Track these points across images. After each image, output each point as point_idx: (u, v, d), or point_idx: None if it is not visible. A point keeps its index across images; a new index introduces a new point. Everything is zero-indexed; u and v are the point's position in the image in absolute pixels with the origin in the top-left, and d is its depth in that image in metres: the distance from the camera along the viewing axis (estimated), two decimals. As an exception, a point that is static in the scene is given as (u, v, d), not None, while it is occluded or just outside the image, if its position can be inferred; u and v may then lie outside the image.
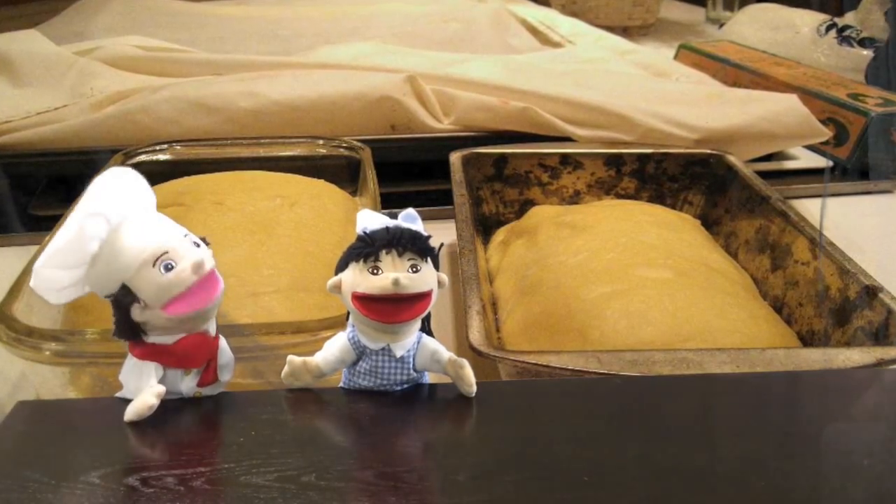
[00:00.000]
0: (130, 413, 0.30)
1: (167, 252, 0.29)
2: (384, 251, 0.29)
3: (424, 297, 0.30)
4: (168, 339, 0.30)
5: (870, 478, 0.29)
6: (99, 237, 0.28)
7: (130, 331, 0.30)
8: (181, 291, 0.29)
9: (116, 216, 0.29)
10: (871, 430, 0.32)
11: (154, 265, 0.28)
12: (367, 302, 0.30)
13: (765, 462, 0.29)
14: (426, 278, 0.30)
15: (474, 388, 0.32)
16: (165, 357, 0.30)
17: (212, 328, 0.32)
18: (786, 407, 0.34)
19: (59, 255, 0.28)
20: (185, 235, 0.30)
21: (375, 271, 0.29)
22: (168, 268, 0.29)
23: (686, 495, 0.27)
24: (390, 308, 0.30)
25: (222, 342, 0.33)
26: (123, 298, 0.29)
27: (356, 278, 0.30)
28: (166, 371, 0.31)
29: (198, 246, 0.30)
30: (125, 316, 0.29)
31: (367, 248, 0.29)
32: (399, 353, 0.31)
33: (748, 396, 0.34)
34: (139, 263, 0.28)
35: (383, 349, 0.31)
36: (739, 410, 0.33)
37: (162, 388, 0.30)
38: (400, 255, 0.29)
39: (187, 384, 0.31)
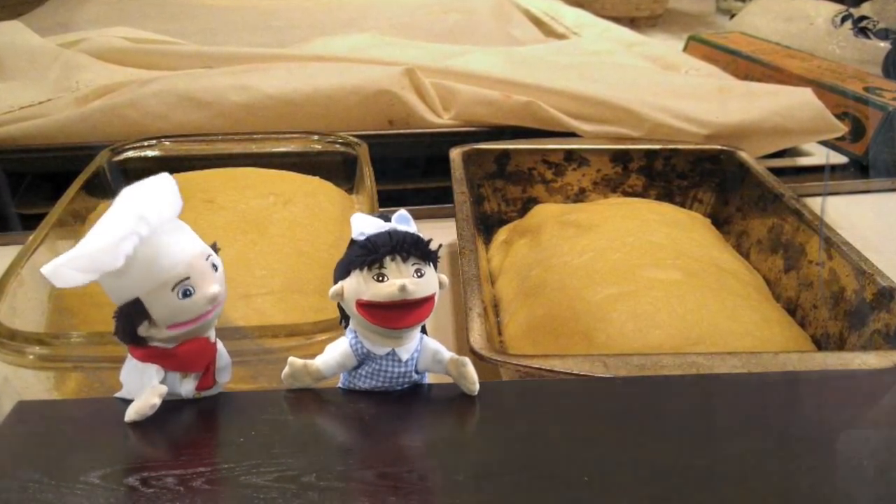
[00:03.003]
0: (132, 413, 0.30)
1: (189, 278, 0.30)
2: (388, 258, 0.30)
3: (429, 300, 0.31)
4: (169, 344, 0.31)
5: (870, 478, 0.29)
6: (129, 254, 0.29)
7: (132, 339, 0.31)
8: (191, 318, 0.30)
9: (148, 232, 0.29)
10: (871, 431, 0.32)
11: (173, 289, 0.29)
12: (372, 309, 0.30)
13: (765, 462, 0.29)
14: (430, 282, 0.31)
15: (477, 387, 0.33)
16: (166, 360, 0.31)
17: (212, 334, 0.33)
18: (786, 407, 0.35)
19: (83, 260, 0.29)
20: (208, 258, 0.31)
21: (380, 278, 0.30)
22: (186, 294, 0.30)
23: (686, 495, 0.28)
24: (396, 314, 0.30)
25: (220, 345, 0.34)
26: (133, 312, 0.30)
27: (360, 286, 0.30)
28: (166, 373, 0.32)
29: (215, 269, 0.31)
30: (130, 329, 0.30)
31: (371, 255, 0.30)
32: (404, 357, 0.32)
33: (748, 396, 0.35)
34: (159, 285, 0.29)
35: (388, 354, 0.32)
36: (739, 410, 0.34)
37: (164, 388, 0.31)
38: (405, 260, 0.30)
39: (186, 387, 0.32)
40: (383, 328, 0.31)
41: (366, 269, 0.30)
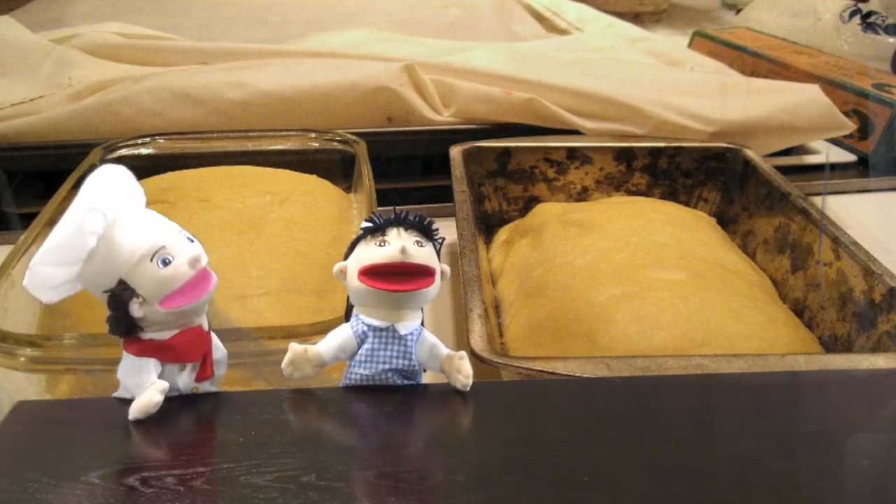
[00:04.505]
0: (135, 411, 0.31)
1: (164, 247, 0.30)
2: (390, 227, 0.32)
3: (429, 273, 0.32)
4: (164, 335, 0.31)
5: (870, 478, 0.30)
6: (97, 232, 0.30)
7: (127, 327, 0.31)
8: (178, 286, 0.30)
9: (112, 211, 0.31)
10: (871, 431, 0.33)
11: (152, 260, 0.30)
12: (374, 274, 0.32)
13: (765, 462, 0.30)
14: (431, 256, 0.32)
15: (470, 381, 0.33)
16: (163, 352, 0.32)
17: (204, 323, 0.33)
18: (786, 407, 0.35)
19: (56, 252, 0.29)
20: (179, 231, 0.32)
21: (382, 244, 0.32)
22: (165, 262, 0.30)
23: (686, 495, 0.28)
24: (396, 279, 0.32)
25: (214, 338, 0.34)
26: (122, 293, 0.30)
27: (363, 254, 0.32)
28: (163, 367, 0.32)
29: (191, 241, 0.32)
30: (123, 312, 0.30)
31: (374, 226, 0.32)
32: (403, 331, 0.33)
33: (748, 396, 0.35)
34: (137, 258, 0.30)
35: (387, 329, 0.33)
36: (739, 410, 0.34)
37: (165, 385, 0.31)
38: (406, 230, 0.32)
39: (184, 380, 0.33)
40: (384, 291, 0.32)
41: (369, 236, 0.32)
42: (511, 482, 0.28)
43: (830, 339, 0.51)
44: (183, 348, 0.32)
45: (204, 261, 0.32)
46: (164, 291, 0.30)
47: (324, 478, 0.28)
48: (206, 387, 0.34)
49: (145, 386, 0.31)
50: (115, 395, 0.33)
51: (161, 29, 1.02)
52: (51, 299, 0.30)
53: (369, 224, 0.32)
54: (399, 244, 0.31)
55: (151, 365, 0.31)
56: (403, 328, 0.33)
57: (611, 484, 0.29)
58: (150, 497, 0.27)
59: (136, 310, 0.30)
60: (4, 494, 0.27)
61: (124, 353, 0.32)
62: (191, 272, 0.31)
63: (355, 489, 0.28)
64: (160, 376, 0.32)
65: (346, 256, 0.33)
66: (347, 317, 0.35)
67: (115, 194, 0.31)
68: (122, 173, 0.32)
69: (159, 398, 0.31)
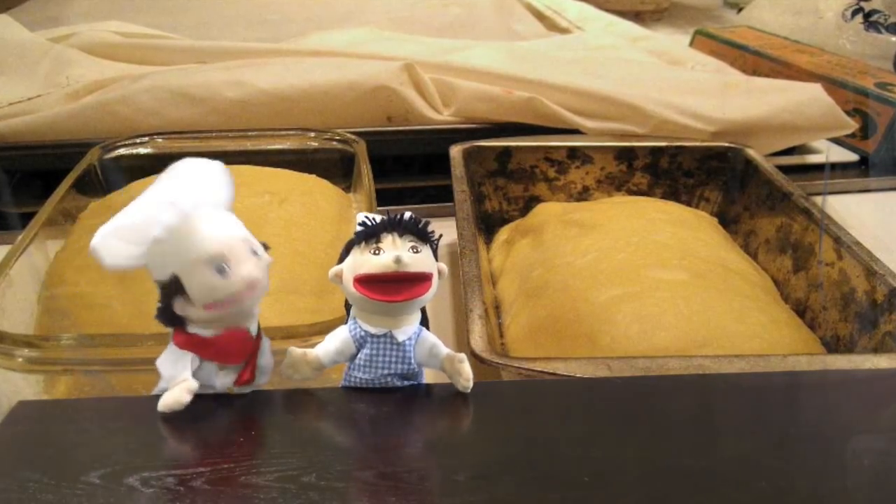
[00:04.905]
0: (162, 406, 0.31)
1: (224, 255, 0.30)
2: (385, 233, 0.32)
3: (425, 278, 0.32)
4: (208, 332, 0.32)
5: (871, 479, 0.30)
6: (165, 225, 0.30)
7: (171, 318, 0.31)
8: (225, 297, 0.31)
9: (189, 206, 0.31)
10: (872, 432, 0.33)
11: (209, 265, 0.30)
12: (369, 283, 0.31)
13: (765, 462, 0.30)
14: (427, 261, 0.32)
15: (471, 384, 0.33)
16: (203, 349, 0.32)
17: (253, 327, 0.33)
18: (786, 407, 0.35)
19: (124, 230, 0.30)
20: (245, 240, 0.32)
21: (377, 252, 0.31)
22: (221, 271, 0.30)
23: (686, 495, 0.28)
24: (392, 287, 0.32)
25: (266, 344, 0.34)
26: (171, 288, 0.31)
27: (357, 261, 0.32)
28: (202, 363, 0.32)
29: (256, 254, 0.32)
30: (168, 306, 0.31)
31: (368, 231, 0.32)
32: (401, 338, 0.33)
33: (748, 396, 0.35)
34: (194, 260, 0.30)
35: (385, 335, 0.33)
36: (739, 410, 0.34)
37: (195, 385, 0.31)
38: (401, 236, 0.32)
39: (222, 380, 0.33)
40: (379, 301, 0.32)
41: (363, 243, 0.32)
42: (511, 482, 0.28)
43: (832, 339, 0.51)
44: (224, 348, 0.32)
45: (261, 284, 0.31)
46: (210, 299, 0.30)
47: (324, 478, 0.28)
48: (241, 390, 0.34)
49: (177, 379, 0.31)
50: (155, 391, 0.32)
51: (159, 28, 1.02)
52: (114, 265, 0.30)
53: (362, 229, 0.32)
54: (393, 253, 0.31)
55: (188, 359, 0.31)
56: (401, 334, 0.33)
57: (611, 484, 0.29)
58: (150, 497, 0.27)
59: (178, 308, 0.31)
60: (4, 494, 0.27)
61: (170, 343, 0.32)
62: (241, 288, 0.31)
63: (355, 489, 0.28)
64: (198, 372, 0.32)
65: (341, 259, 0.33)
66: (349, 310, 0.34)
67: (198, 189, 0.31)
68: (214, 168, 0.33)
69: (187, 398, 0.31)
